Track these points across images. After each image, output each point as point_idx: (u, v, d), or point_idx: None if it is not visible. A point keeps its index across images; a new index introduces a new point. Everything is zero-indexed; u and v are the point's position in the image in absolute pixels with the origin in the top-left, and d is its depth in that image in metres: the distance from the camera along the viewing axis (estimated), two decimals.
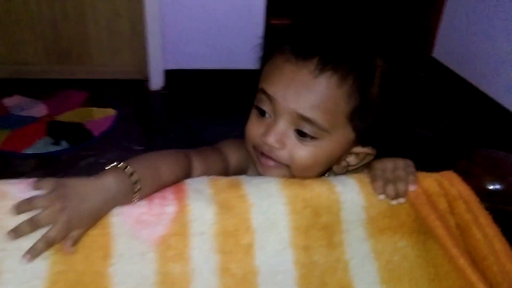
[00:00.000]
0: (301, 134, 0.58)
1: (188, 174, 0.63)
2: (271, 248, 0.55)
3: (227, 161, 0.69)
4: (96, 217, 0.53)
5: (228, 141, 0.73)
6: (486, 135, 2.06)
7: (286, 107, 0.57)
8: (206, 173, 0.64)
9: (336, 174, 0.65)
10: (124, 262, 0.52)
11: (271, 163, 0.62)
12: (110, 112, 1.97)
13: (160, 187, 0.58)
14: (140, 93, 2.21)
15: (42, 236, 0.49)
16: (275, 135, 0.59)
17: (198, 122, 2.01)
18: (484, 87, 2.19)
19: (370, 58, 0.58)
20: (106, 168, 0.55)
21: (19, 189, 0.52)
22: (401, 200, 0.58)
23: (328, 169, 0.64)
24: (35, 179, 0.53)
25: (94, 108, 1.98)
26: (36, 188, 0.52)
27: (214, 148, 0.71)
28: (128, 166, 0.55)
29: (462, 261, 0.55)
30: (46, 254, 0.50)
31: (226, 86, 2.27)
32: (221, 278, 0.53)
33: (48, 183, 0.52)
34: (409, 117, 2.22)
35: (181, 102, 2.18)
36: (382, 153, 0.66)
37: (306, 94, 0.56)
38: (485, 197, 0.59)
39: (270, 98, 0.59)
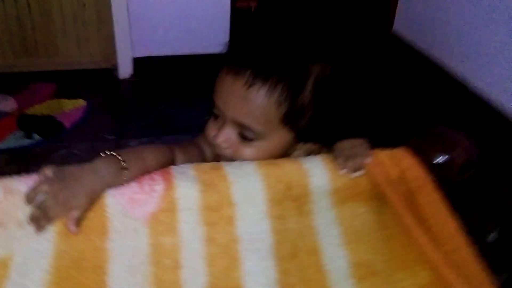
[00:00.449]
0: (243, 136, 0.68)
1: (170, 163, 0.70)
2: (250, 219, 0.61)
3: (203, 152, 0.79)
4: (91, 196, 0.58)
5: (202, 135, 0.80)
6: (444, 109, 2.18)
7: (228, 115, 0.67)
8: (186, 162, 0.71)
9: None
10: (120, 238, 0.58)
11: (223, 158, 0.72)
12: (80, 103, 1.98)
13: (145, 171, 0.64)
14: (109, 82, 2.22)
15: (44, 213, 0.55)
16: (222, 137, 0.69)
17: (170, 108, 2.05)
18: (441, 58, 2.31)
19: (302, 68, 0.67)
20: (101, 155, 0.62)
21: (26, 184, 0.57)
22: (359, 172, 0.66)
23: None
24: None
25: (64, 100, 1.98)
26: (39, 176, 0.57)
27: (192, 142, 0.80)
28: (116, 153, 0.62)
29: (409, 220, 0.62)
30: (51, 236, 0.55)
31: (195, 72, 2.31)
32: (207, 247, 0.59)
33: (48, 170, 0.58)
34: (368, 93, 2.33)
35: (151, 89, 2.21)
36: (329, 142, 0.75)
37: (241, 104, 0.65)
38: (433, 169, 0.68)
39: (217, 107, 0.69)
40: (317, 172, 0.66)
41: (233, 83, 0.65)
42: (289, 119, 0.67)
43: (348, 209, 0.64)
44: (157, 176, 0.63)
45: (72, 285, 0.54)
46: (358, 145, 0.70)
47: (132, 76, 2.23)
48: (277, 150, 0.70)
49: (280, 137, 0.70)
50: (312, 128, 0.70)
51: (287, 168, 0.66)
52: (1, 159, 1.64)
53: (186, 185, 0.62)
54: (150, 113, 2.01)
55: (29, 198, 0.56)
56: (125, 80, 2.23)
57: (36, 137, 1.74)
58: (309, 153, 0.74)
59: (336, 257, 0.60)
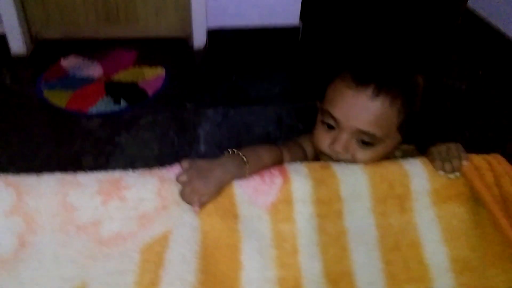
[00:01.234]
0: (362, 142, 0.76)
1: (280, 161, 0.81)
2: (356, 214, 0.71)
3: (305, 152, 0.90)
4: (219, 185, 0.70)
5: (303, 136, 0.93)
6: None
7: (348, 125, 0.75)
8: (292, 160, 0.83)
9: None
10: (247, 222, 0.69)
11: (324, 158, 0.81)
12: (159, 71, 2.11)
13: (262, 167, 0.75)
14: (184, 51, 2.32)
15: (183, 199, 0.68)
16: (341, 144, 0.77)
17: (241, 79, 2.14)
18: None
19: (413, 80, 0.77)
20: (225, 153, 0.74)
21: (174, 173, 0.69)
22: (457, 174, 0.74)
23: None
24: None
25: (145, 67, 2.11)
26: (181, 168, 0.69)
27: (295, 142, 0.91)
28: (238, 151, 0.74)
29: (503, 222, 0.70)
30: (196, 221, 0.67)
31: (267, 44, 2.37)
32: (320, 236, 0.70)
33: (185, 163, 0.70)
34: (442, 69, 2.32)
35: (224, 60, 2.30)
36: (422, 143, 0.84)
37: (365, 114, 0.74)
38: None
39: (334, 118, 0.76)
40: (417, 173, 0.74)
41: (357, 96, 0.74)
42: (404, 125, 0.76)
43: (447, 208, 0.72)
44: (275, 171, 0.73)
45: (214, 261, 0.66)
46: (454, 149, 0.77)
47: (206, 46, 2.32)
48: (388, 152, 0.79)
49: (393, 140, 0.78)
50: (416, 130, 0.79)
51: (389, 168, 0.74)
52: (94, 122, 1.80)
53: (301, 180, 0.72)
54: (223, 83, 2.11)
55: (179, 183, 0.68)
56: (199, 50, 2.32)
57: (123, 103, 1.89)
58: (406, 153, 0.82)
59: (436, 252, 0.69)
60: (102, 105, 1.87)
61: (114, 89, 1.96)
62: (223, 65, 2.26)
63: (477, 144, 1.80)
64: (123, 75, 2.06)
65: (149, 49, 2.28)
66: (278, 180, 0.72)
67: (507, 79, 2.24)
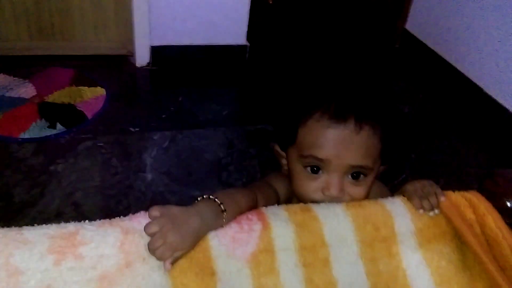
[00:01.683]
0: (355, 177, 0.73)
1: (255, 206, 0.73)
2: (344, 260, 0.65)
3: (278, 193, 0.83)
4: (195, 238, 0.61)
5: (272, 176, 0.87)
6: (458, 110, 2.24)
7: (339, 163, 0.71)
8: (266, 204, 0.74)
9: None
10: (226, 279, 0.61)
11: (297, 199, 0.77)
12: (99, 91, 1.97)
13: (239, 213, 0.67)
14: (126, 69, 2.20)
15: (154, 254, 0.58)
16: (337, 187, 0.72)
17: (189, 100, 2.05)
18: (455, 62, 2.35)
19: (384, 107, 0.75)
20: (198, 199, 0.65)
21: (139, 223, 0.59)
22: (436, 211, 0.71)
23: None
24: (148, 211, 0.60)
25: (84, 88, 1.96)
26: (149, 216, 0.59)
27: (266, 183, 0.84)
28: (214, 197, 0.65)
29: (489, 264, 0.67)
30: (168, 281, 0.58)
31: (212, 62, 2.30)
32: None
33: (155, 211, 0.60)
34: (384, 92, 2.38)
35: (169, 78, 2.20)
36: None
37: (355, 149, 0.70)
38: (506, 214, 0.72)
39: (322, 161, 0.71)
40: (400, 213, 0.70)
41: (340, 132, 0.70)
42: (385, 150, 0.74)
43: (433, 249, 0.68)
44: (253, 217, 0.66)
45: None
46: (428, 185, 0.75)
47: (149, 64, 2.21)
48: (374, 180, 0.76)
49: (378, 167, 0.76)
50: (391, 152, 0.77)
51: (372, 209, 0.69)
52: (27, 149, 1.63)
53: (281, 225, 0.65)
54: (170, 104, 2.01)
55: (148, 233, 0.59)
56: (142, 68, 2.21)
57: (60, 126, 1.73)
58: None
59: None
60: (36, 129, 1.70)
61: (48, 111, 1.80)
62: (169, 85, 2.16)
63: (423, 168, 1.84)
64: (59, 96, 1.90)
65: (88, 67, 2.13)
66: (257, 226, 0.64)
67: (446, 101, 2.33)
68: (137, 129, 1.82)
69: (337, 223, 0.67)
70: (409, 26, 2.70)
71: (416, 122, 2.14)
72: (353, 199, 0.72)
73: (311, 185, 0.74)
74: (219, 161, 1.74)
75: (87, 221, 0.60)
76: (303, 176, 0.74)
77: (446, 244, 0.70)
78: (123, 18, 2.13)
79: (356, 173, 0.72)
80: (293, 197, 0.84)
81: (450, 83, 2.37)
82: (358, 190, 0.73)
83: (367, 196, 0.76)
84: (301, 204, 0.70)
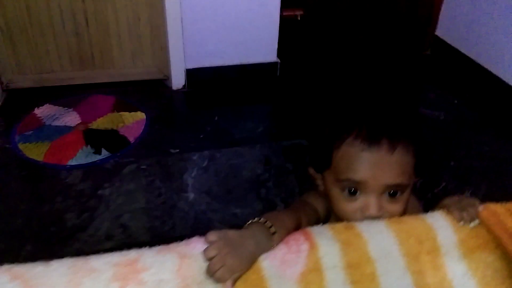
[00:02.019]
0: (392, 195, 0.75)
1: (300, 225, 0.77)
2: (392, 274, 0.67)
3: (317, 211, 0.86)
4: (251, 260, 0.65)
5: (311, 194, 0.89)
6: (494, 114, 2.20)
7: (376, 184, 0.73)
8: (309, 224, 0.78)
9: None
10: None
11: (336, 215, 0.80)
12: (140, 115, 2.05)
13: (287, 234, 0.71)
14: (163, 93, 2.28)
15: (213, 277, 0.61)
16: (376, 207, 0.75)
17: (224, 119, 2.11)
18: (488, 65, 2.32)
19: (415, 124, 0.78)
20: (249, 222, 0.69)
21: (194, 248, 0.63)
22: (476, 221, 0.73)
23: None
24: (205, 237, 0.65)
25: (124, 113, 2.05)
26: (206, 241, 0.63)
27: (306, 202, 0.87)
28: (264, 219, 0.69)
29: None
30: None
31: (245, 81, 2.36)
32: None
33: (212, 236, 0.64)
34: (416, 99, 2.37)
35: (203, 99, 2.27)
36: None
37: (390, 169, 0.72)
38: None
39: (358, 183, 0.74)
40: (441, 225, 0.72)
41: (375, 155, 0.73)
42: (418, 165, 0.76)
43: (477, 258, 0.70)
44: (300, 237, 0.69)
45: None
46: (465, 198, 0.77)
47: (185, 86, 2.29)
48: (409, 195, 0.78)
49: (412, 182, 0.78)
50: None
51: (413, 224, 0.72)
52: (75, 175, 1.72)
53: (327, 243, 0.68)
54: (206, 124, 2.07)
55: (206, 258, 0.63)
56: (178, 90, 2.29)
57: (105, 152, 1.81)
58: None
59: None
60: (82, 155, 1.79)
61: (93, 138, 1.89)
62: (204, 106, 2.23)
63: (463, 175, 1.82)
64: (102, 122, 1.99)
65: (127, 93, 2.23)
66: (304, 246, 0.68)
67: (482, 105, 2.30)
68: (177, 150, 1.88)
69: (381, 239, 0.69)
70: (440, 32, 2.69)
71: (452, 129, 2.12)
72: (391, 216, 0.74)
73: (350, 207, 0.76)
74: (257, 178, 1.77)
75: (147, 246, 0.65)
76: (341, 198, 0.77)
77: (490, 253, 0.71)
78: (159, 44, 2.22)
79: (393, 191, 0.75)
80: (331, 215, 0.87)
81: (484, 87, 2.34)
82: (395, 207, 0.75)
83: (405, 212, 0.78)
84: (345, 223, 0.72)
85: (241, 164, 1.84)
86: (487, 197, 1.57)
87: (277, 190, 1.73)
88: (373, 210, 0.74)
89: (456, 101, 2.33)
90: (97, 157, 1.79)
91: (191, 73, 2.26)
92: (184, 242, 0.66)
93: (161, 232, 1.53)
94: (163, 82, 2.31)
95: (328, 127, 0.82)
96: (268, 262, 0.65)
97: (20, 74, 2.16)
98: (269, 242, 0.67)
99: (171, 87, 2.27)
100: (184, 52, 2.18)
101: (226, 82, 2.34)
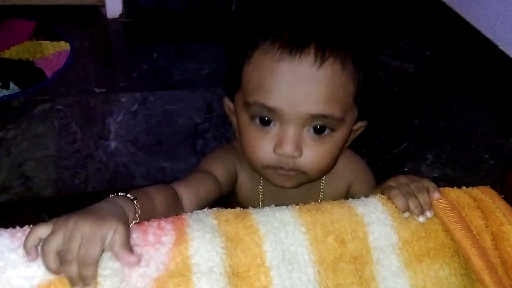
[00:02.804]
0: (318, 132, 0.53)
1: (178, 203, 0.55)
2: None
3: (216, 179, 0.62)
4: None
5: (207, 158, 0.67)
6: (468, 70, 1.99)
7: (295, 112, 0.51)
8: (200, 201, 0.59)
9: None
10: None
11: (291, 172, 0.56)
12: (63, 46, 1.75)
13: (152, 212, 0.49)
14: (95, 21, 1.96)
15: None
16: (292, 142, 0.52)
17: (164, 57, 1.83)
18: (468, 16, 2.08)
19: (365, 34, 0.54)
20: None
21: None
22: (428, 214, 0.51)
23: None
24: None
25: (45, 42, 1.74)
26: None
27: (199, 172, 0.63)
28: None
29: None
30: None
31: (194, 14, 2.06)
32: None
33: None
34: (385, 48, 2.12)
35: (143, 32, 1.97)
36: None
37: (314, 91, 0.50)
38: None
39: (271, 110, 0.51)
40: (376, 219, 0.50)
41: (295, 67, 0.49)
42: (360, 95, 0.54)
43: (425, 272, 0.48)
44: (166, 224, 0.46)
45: None
46: (417, 179, 0.54)
47: (122, 15, 1.97)
48: (347, 138, 0.58)
49: (352, 119, 0.56)
50: (369, 101, 0.57)
51: (335, 214, 0.49)
52: None
53: (205, 237, 0.45)
54: (142, 61, 1.79)
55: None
56: (114, 20, 1.97)
57: (14, 86, 1.53)
58: (355, 135, 0.62)
59: None
60: None
61: (2, 69, 1.59)
62: (143, 40, 1.93)
63: (427, 134, 1.63)
64: (16, 51, 1.68)
65: (52, 19, 1.90)
66: (167, 238, 0.45)
67: (457, 60, 2.08)
68: (102, 90, 1.61)
69: (284, 236, 0.47)
70: None
71: (420, 83, 1.91)
72: (314, 162, 0.54)
73: (260, 142, 0.54)
74: (194, 127, 1.53)
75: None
76: (251, 130, 0.55)
77: (445, 264, 0.49)
78: None
79: (320, 126, 0.53)
80: (238, 175, 0.65)
81: (461, 40, 2.11)
82: (321, 149, 0.54)
83: (333, 163, 0.58)
84: (237, 209, 0.49)
85: (177, 110, 1.59)
86: (451, 161, 1.36)
87: (216, 142, 1.50)
88: (286, 147, 0.52)
89: (428, 53, 2.10)
90: (3, 93, 1.50)
91: (129, 0, 1.93)
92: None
93: (69, 186, 1.30)
94: (97, 9, 1.98)
95: (241, 29, 0.58)
96: (109, 255, 0.42)
97: None
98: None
99: (106, 16, 1.95)
100: None
101: (172, 14, 2.04)
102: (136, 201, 0.46)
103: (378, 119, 1.66)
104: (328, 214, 0.49)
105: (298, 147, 0.53)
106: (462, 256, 0.49)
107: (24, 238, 0.42)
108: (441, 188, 0.53)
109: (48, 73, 1.61)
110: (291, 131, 0.52)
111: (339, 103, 0.52)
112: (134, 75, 1.71)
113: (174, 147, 1.46)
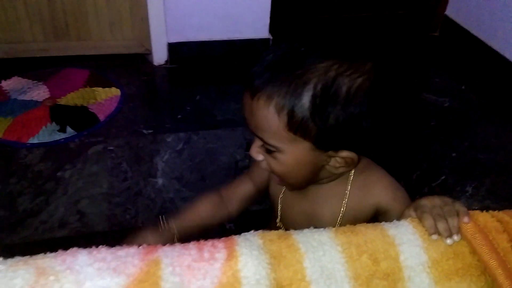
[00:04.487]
0: (268, 151, 0.65)
1: (221, 203, 0.83)
2: None
3: (253, 180, 0.84)
4: None
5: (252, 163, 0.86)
6: (504, 103, 2.00)
7: (250, 129, 0.65)
8: (239, 200, 0.85)
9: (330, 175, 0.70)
10: None
11: (275, 175, 0.70)
12: (114, 92, 1.89)
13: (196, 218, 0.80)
14: (143, 68, 2.11)
15: None
16: (254, 149, 0.67)
17: (206, 99, 1.94)
18: (501, 49, 2.10)
19: (298, 74, 0.58)
20: None
21: (63, 262, 0.47)
22: (455, 237, 0.54)
23: (312, 174, 0.68)
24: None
25: (98, 89, 1.89)
26: None
27: (242, 175, 0.87)
28: None
29: None
30: None
31: (233, 58, 2.18)
32: None
33: None
34: (419, 83, 2.16)
35: (187, 76, 2.10)
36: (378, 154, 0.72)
37: (250, 117, 0.62)
38: None
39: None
40: (407, 240, 0.54)
41: (245, 95, 0.62)
42: (295, 128, 0.60)
43: None
44: (218, 243, 0.53)
45: None
46: (450, 203, 0.57)
47: (167, 62, 2.12)
48: (304, 160, 0.64)
49: (297, 146, 0.62)
50: (329, 135, 0.61)
51: (369, 235, 0.54)
52: (34, 155, 1.57)
53: (252, 254, 0.51)
54: (186, 104, 1.90)
55: None
56: (159, 66, 2.12)
57: (70, 130, 1.66)
58: (346, 163, 0.66)
59: None
60: (45, 133, 1.64)
61: (60, 114, 1.74)
62: (186, 82, 2.06)
63: (466, 168, 1.64)
64: (72, 97, 1.84)
65: (104, 67, 2.06)
66: (220, 255, 0.51)
67: (493, 93, 2.09)
68: (150, 131, 1.72)
69: (322, 254, 0.52)
70: (450, 11, 2.46)
71: (457, 117, 1.92)
72: (274, 169, 0.66)
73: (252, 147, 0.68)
74: (235, 164, 1.61)
75: (1, 258, 0.48)
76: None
77: (472, 283, 0.53)
78: (139, 14, 2.04)
79: (265, 147, 0.64)
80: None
81: (495, 73, 2.13)
82: (273, 164, 0.66)
83: (301, 177, 0.67)
84: (280, 231, 0.55)
85: (219, 149, 1.68)
86: (491, 193, 1.37)
87: None
88: (251, 151, 0.67)
89: (463, 87, 2.12)
90: (61, 136, 1.64)
91: (174, 48, 2.08)
92: (54, 254, 0.50)
93: (121, 221, 1.38)
94: (144, 57, 2.14)
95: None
96: (171, 269, 0.49)
97: None
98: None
99: (153, 62, 2.10)
100: (166, 24, 2.01)
101: (213, 58, 2.17)
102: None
103: (414, 153, 1.69)
104: (362, 235, 0.54)
105: (257, 153, 0.66)
106: (489, 276, 0.52)
107: (98, 255, 0.50)
108: (471, 212, 0.57)
109: (101, 117, 1.74)
110: (255, 142, 0.66)
111: (266, 131, 0.61)
112: (179, 116, 1.82)
113: (217, 183, 1.53)
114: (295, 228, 0.77)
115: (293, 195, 0.78)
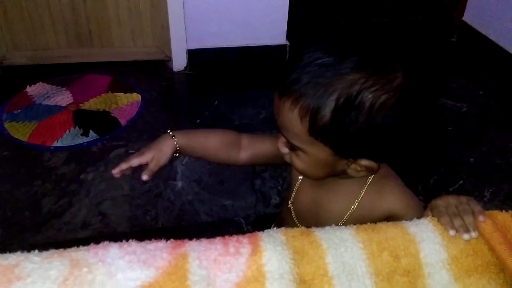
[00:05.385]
0: (292, 149, 0.68)
1: (234, 147, 0.85)
2: None
3: (269, 150, 0.84)
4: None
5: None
6: None
7: (278, 125, 0.67)
8: (254, 155, 0.86)
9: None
10: None
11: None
12: (135, 97, 1.93)
13: (203, 144, 0.86)
14: (163, 74, 2.16)
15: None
16: (281, 143, 0.70)
17: (224, 104, 1.97)
18: None
19: (323, 85, 0.59)
20: None
21: (95, 255, 0.50)
22: (473, 234, 0.56)
23: (332, 173, 0.70)
24: None
25: (119, 94, 1.94)
26: None
27: (269, 133, 0.94)
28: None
29: None
30: None
31: (251, 64, 2.21)
32: None
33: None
34: (437, 89, 2.16)
35: (205, 82, 2.14)
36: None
37: (277, 116, 0.66)
38: None
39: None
40: (427, 237, 0.56)
41: (276, 93, 0.65)
42: (316, 134, 0.62)
43: (474, 284, 0.53)
44: (243, 239, 0.55)
45: None
46: (465, 202, 0.59)
47: (186, 68, 2.16)
48: (324, 162, 0.66)
49: (318, 150, 0.65)
50: (350, 144, 0.62)
51: (390, 233, 0.56)
52: (58, 158, 1.62)
53: (275, 249, 0.53)
54: (205, 109, 1.93)
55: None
56: (179, 72, 2.16)
57: (93, 134, 1.71)
58: (367, 169, 0.67)
59: None
60: (69, 137, 1.69)
61: (83, 119, 1.78)
62: (205, 89, 2.09)
63: (484, 173, 1.63)
64: (94, 103, 1.88)
65: (125, 73, 2.11)
66: (245, 250, 0.53)
67: (509, 97, 2.08)
68: None
69: (343, 250, 0.54)
70: (467, 17, 2.46)
71: (475, 122, 1.92)
72: (294, 164, 0.69)
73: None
74: (253, 168, 1.63)
75: (36, 251, 0.51)
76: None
77: (491, 280, 0.54)
78: (160, 22, 2.09)
79: (291, 145, 0.67)
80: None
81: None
82: (294, 160, 0.69)
83: (315, 172, 0.69)
84: (302, 228, 0.57)
85: None
86: (509, 199, 1.37)
87: (273, 181, 1.59)
88: (278, 142, 0.71)
89: (481, 92, 2.12)
90: (84, 139, 1.68)
91: (193, 54, 2.12)
92: (86, 247, 0.53)
93: (142, 222, 1.41)
94: (164, 63, 2.18)
95: None
96: (198, 263, 0.51)
97: (15, 51, 2.07)
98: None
99: (172, 68, 2.14)
100: (186, 31, 2.05)
101: (231, 64, 2.20)
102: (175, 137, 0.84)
103: (432, 157, 1.69)
104: (383, 232, 0.55)
105: (283, 147, 0.69)
106: (507, 274, 0.54)
107: (129, 248, 0.52)
108: (489, 211, 0.58)
109: (122, 122, 1.78)
110: (281, 137, 0.69)
111: (289, 132, 0.64)
112: (198, 121, 1.85)
113: (235, 186, 1.56)
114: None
115: (310, 182, 0.80)
